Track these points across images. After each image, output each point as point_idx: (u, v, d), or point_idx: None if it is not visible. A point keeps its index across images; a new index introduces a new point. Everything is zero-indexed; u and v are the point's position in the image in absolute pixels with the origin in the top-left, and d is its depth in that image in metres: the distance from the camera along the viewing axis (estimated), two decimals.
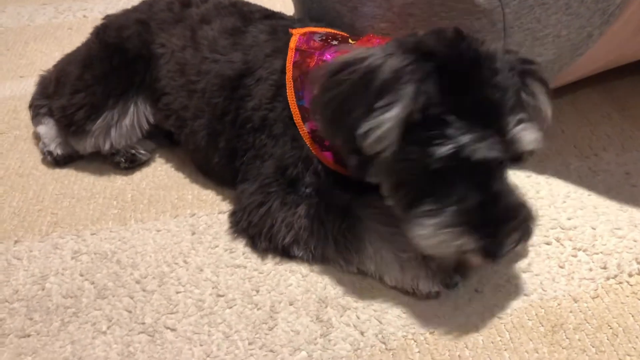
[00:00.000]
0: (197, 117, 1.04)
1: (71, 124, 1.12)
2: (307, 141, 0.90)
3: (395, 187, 0.79)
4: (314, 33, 0.96)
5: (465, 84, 0.73)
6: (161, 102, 1.10)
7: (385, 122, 0.72)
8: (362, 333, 0.80)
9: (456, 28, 0.78)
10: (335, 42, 0.93)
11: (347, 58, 0.78)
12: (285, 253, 0.91)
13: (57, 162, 1.16)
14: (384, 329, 0.81)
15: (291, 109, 0.91)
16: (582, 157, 1.09)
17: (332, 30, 1.00)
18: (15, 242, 0.99)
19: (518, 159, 0.78)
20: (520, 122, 0.74)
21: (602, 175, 1.05)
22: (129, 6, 1.76)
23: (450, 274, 0.84)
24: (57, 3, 1.88)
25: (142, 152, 1.16)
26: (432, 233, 0.75)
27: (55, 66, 1.26)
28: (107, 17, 1.23)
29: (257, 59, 0.98)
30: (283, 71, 0.93)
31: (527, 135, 0.74)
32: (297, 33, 0.96)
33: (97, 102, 1.11)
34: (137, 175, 1.13)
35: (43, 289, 0.90)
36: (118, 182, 1.12)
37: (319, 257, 0.90)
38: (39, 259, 0.96)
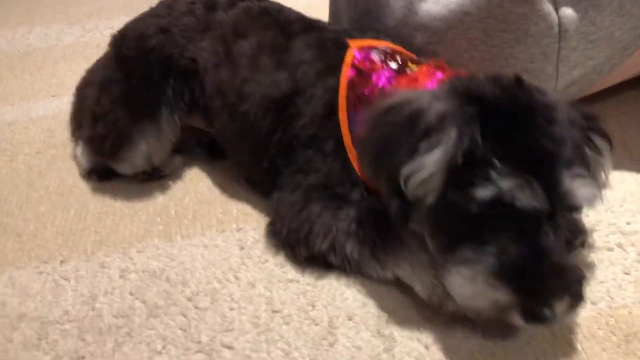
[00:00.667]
0: (240, 139, 1.03)
1: (102, 153, 1.11)
2: (357, 167, 0.87)
3: (435, 233, 0.76)
4: (372, 48, 0.92)
5: (517, 131, 0.70)
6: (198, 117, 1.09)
7: (428, 164, 0.70)
8: (426, 347, 0.78)
9: (516, 75, 0.75)
10: (394, 65, 0.89)
11: (395, 100, 0.77)
12: (324, 261, 0.89)
13: (100, 177, 1.15)
14: (448, 342, 0.78)
15: (342, 131, 0.88)
16: (634, 159, 1.07)
17: (391, 45, 0.96)
18: (61, 262, 0.98)
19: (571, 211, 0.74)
20: (577, 176, 0.69)
21: None
22: None
23: None
24: (83, 22, 1.89)
25: (164, 167, 1.14)
26: (466, 282, 0.70)
27: (76, 88, 1.22)
28: (126, 25, 1.18)
29: (306, 77, 0.94)
30: (337, 89, 0.90)
31: (583, 191, 0.70)
32: (354, 46, 0.92)
33: (122, 130, 1.07)
34: (179, 191, 1.12)
35: (93, 309, 0.88)
36: (160, 198, 1.11)
37: (355, 265, 0.86)
38: (87, 279, 0.94)
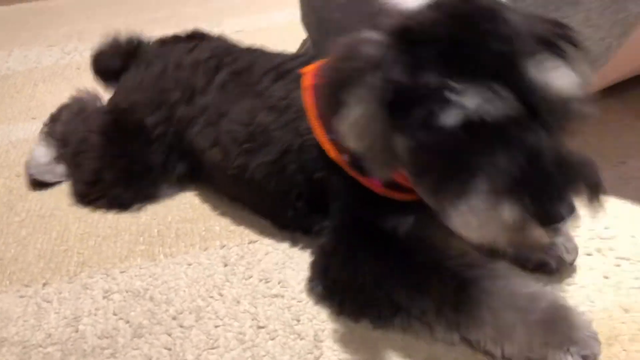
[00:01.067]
0: (257, 203, 1.05)
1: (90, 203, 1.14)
2: (349, 171, 0.84)
3: (422, 182, 0.71)
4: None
5: (463, 44, 0.64)
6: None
7: (354, 111, 0.67)
8: (409, 356, 0.78)
9: None
10: None
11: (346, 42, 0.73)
12: (371, 312, 0.82)
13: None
14: (430, 350, 0.78)
15: (324, 146, 0.85)
16: (610, 165, 1.09)
17: None
18: (44, 284, 0.97)
19: (561, 116, 0.63)
20: (545, 66, 0.62)
21: (633, 183, 1.04)
22: None
23: (587, 342, 0.71)
24: (62, 44, 1.89)
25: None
26: (468, 216, 0.64)
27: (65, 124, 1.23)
28: (119, 91, 1.19)
29: (288, 131, 0.93)
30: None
31: (557, 78, 0.62)
32: (307, 72, 0.91)
33: (120, 199, 1.12)
34: (162, 210, 1.11)
35: (77, 331, 0.88)
36: (143, 217, 1.10)
37: (410, 320, 0.79)
38: (70, 301, 0.93)
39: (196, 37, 1.24)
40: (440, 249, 0.82)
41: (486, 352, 0.75)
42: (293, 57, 1.05)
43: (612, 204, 1.00)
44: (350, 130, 0.69)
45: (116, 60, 1.25)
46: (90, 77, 1.57)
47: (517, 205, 0.61)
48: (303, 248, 0.98)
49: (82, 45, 1.85)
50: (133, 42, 1.27)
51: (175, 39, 1.25)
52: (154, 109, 1.10)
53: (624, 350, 0.76)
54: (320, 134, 0.86)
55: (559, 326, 0.72)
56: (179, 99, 1.08)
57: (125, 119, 1.12)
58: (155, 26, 1.94)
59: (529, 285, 0.76)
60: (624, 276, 0.86)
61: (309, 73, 0.90)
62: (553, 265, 0.86)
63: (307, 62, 0.99)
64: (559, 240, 0.85)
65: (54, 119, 1.27)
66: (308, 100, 0.87)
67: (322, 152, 0.86)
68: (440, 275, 0.77)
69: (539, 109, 0.62)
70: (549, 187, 0.61)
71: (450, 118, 0.62)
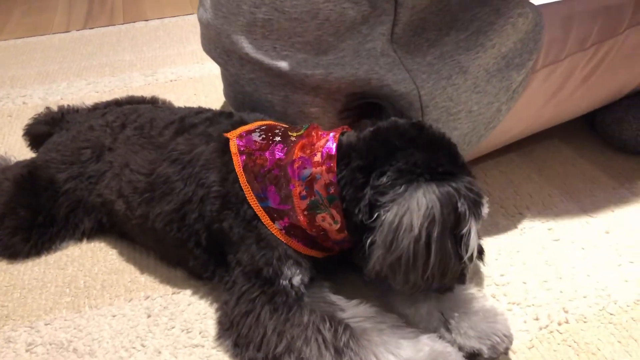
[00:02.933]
0: (161, 251, 1.11)
1: None
2: (283, 239, 0.91)
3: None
4: (249, 132, 0.98)
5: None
6: None
7: None
8: None
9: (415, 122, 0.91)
10: (278, 139, 0.96)
11: None
12: None
13: None
14: None
15: (257, 212, 0.92)
16: (508, 216, 1.20)
17: (263, 122, 1.03)
18: None
19: None
20: None
21: (527, 233, 1.15)
22: (68, 92, 1.82)
23: None
24: None
25: None
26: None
27: None
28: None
29: (190, 182, 0.99)
30: (222, 181, 0.95)
31: None
32: (232, 136, 0.97)
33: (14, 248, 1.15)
34: (88, 261, 1.14)
35: None
36: (69, 269, 1.13)
37: None
38: None
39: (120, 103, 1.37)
40: (334, 302, 0.91)
41: None
42: (197, 112, 1.14)
43: (508, 252, 1.10)
44: None
45: (43, 127, 1.33)
46: (21, 125, 1.59)
47: None
48: None
49: (14, 92, 1.86)
50: (60, 112, 1.38)
51: (95, 107, 1.37)
52: (67, 166, 1.16)
53: None
54: (250, 199, 0.93)
55: None
56: (89, 157, 1.15)
57: (38, 173, 1.17)
58: (89, 73, 1.97)
59: (413, 334, 0.87)
60: (514, 320, 0.96)
61: (234, 138, 0.97)
62: (486, 354, 0.87)
63: (210, 118, 1.08)
64: (497, 327, 0.88)
65: None
66: (237, 166, 0.94)
67: (223, 205, 0.95)
68: (334, 325, 0.86)
69: None
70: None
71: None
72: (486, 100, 1.11)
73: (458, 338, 0.87)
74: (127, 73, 1.95)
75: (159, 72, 1.94)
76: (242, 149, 0.96)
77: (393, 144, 0.86)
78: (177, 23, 2.40)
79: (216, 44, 1.20)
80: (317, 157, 0.89)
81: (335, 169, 0.88)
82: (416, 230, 0.80)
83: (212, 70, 1.92)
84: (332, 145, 0.89)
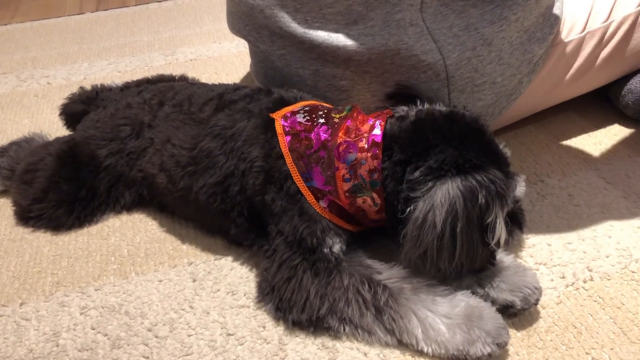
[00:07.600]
0: (204, 221, 1.16)
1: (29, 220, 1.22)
2: (325, 214, 0.96)
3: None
4: (293, 113, 1.01)
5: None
6: None
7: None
8: (365, 354, 0.90)
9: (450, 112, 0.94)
10: (321, 120, 0.98)
11: None
12: (319, 324, 0.92)
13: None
14: (384, 349, 0.91)
15: (302, 191, 0.96)
16: (530, 183, 1.25)
17: (306, 103, 1.05)
18: (21, 304, 1.03)
19: None
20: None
21: (549, 199, 1.20)
22: (90, 72, 1.85)
23: (499, 332, 0.85)
24: (18, 71, 1.93)
25: None
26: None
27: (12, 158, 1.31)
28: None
29: (233, 157, 1.03)
30: (265, 157, 0.99)
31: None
32: (278, 117, 1.01)
33: (59, 220, 1.20)
34: (130, 231, 1.20)
35: (57, 345, 0.95)
36: (112, 239, 1.18)
37: (353, 327, 0.91)
38: (48, 318, 1.00)
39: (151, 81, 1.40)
40: (370, 266, 0.97)
41: (419, 352, 0.89)
42: (234, 88, 1.17)
43: (532, 217, 1.15)
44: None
45: (79, 106, 1.37)
46: (49, 105, 1.64)
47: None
48: None
49: (37, 72, 1.90)
50: (94, 91, 1.41)
51: (127, 85, 1.41)
52: (107, 142, 1.20)
53: (541, 340, 0.90)
54: (296, 178, 0.97)
55: (475, 324, 0.86)
56: (129, 134, 1.19)
57: (80, 149, 1.21)
58: (110, 53, 2.01)
59: (448, 291, 0.92)
60: (542, 278, 1.01)
61: (279, 119, 1.01)
62: (519, 306, 0.92)
63: (250, 95, 1.11)
64: (527, 280, 0.93)
65: (1, 152, 1.35)
66: (283, 146, 0.98)
67: (266, 179, 0.99)
68: (373, 286, 0.91)
69: None
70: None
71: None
72: (509, 73, 1.15)
73: (491, 292, 0.93)
74: (147, 53, 1.99)
75: (179, 52, 1.98)
76: (287, 129, 0.99)
77: (428, 139, 0.90)
78: (191, 4, 2.44)
79: (247, 21, 1.24)
80: (363, 143, 0.93)
81: (381, 156, 0.92)
82: (439, 227, 0.84)
83: (230, 50, 1.96)
84: (379, 133, 0.93)
